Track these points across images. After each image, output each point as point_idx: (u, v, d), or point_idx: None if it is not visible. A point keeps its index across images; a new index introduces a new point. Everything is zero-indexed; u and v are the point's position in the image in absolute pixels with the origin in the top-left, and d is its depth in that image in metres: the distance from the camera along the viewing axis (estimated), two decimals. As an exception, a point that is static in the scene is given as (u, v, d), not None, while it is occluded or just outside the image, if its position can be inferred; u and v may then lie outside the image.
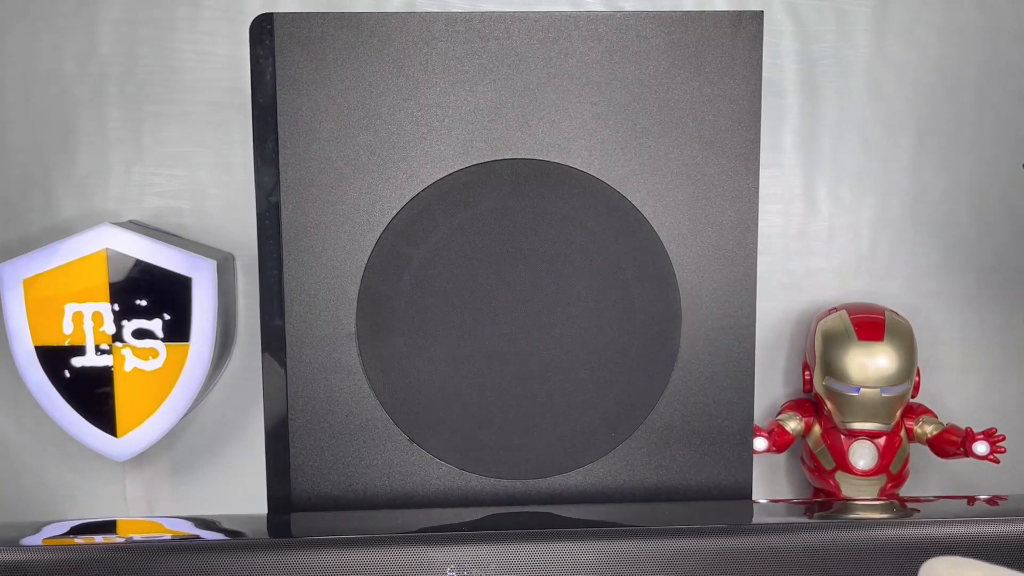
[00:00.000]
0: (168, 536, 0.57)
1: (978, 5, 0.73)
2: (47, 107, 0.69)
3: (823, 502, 0.68)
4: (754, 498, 0.63)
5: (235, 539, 0.54)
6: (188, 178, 0.71)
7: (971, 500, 0.63)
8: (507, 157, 0.60)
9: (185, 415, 0.65)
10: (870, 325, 0.69)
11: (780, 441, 0.71)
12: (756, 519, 0.60)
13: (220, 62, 0.69)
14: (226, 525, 0.57)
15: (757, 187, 0.61)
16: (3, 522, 0.60)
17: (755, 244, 0.61)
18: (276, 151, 0.59)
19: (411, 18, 0.58)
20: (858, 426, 0.69)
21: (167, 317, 0.63)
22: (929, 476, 0.76)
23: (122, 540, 0.55)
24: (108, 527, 0.60)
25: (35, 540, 0.54)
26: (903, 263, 0.75)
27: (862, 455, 0.69)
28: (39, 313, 0.63)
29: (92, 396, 0.64)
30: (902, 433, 0.70)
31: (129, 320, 0.63)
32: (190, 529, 0.58)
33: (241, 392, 0.73)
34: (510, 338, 0.61)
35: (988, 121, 0.74)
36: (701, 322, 0.61)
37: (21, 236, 0.70)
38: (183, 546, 0.53)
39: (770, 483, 0.77)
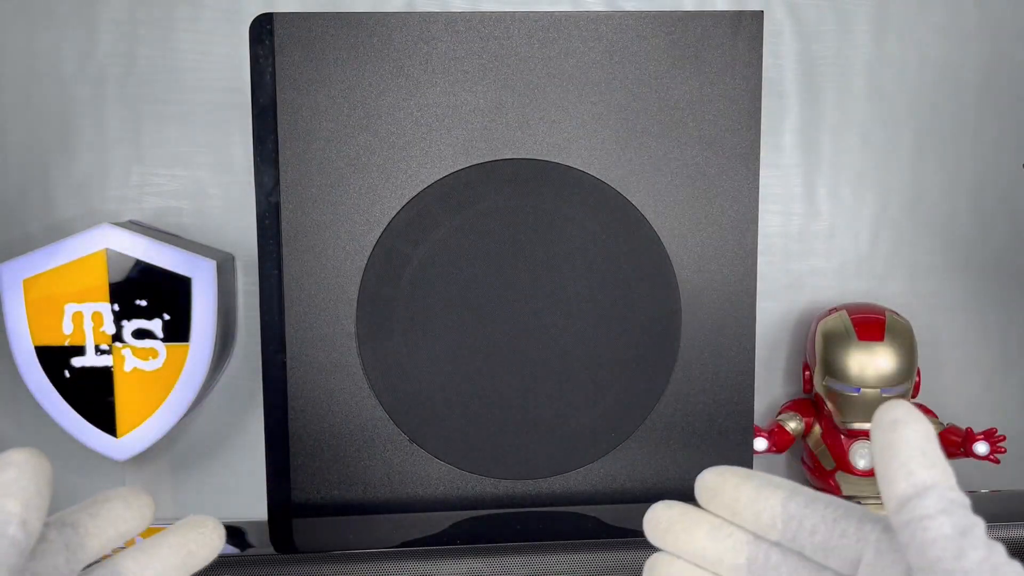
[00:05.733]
0: None
1: (979, 5, 0.73)
2: (46, 107, 0.69)
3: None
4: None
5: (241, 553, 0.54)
6: (188, 178, 0.71)
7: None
8: (507, 157, 0.60)
9: (185, 415, 0.65)
10: (870, 325, 0.69)
11: (780, 441, 0.71)
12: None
13: (220, 62, 0.69)
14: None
15: (757, 187, 0.61)
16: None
17: (755, 244, 0.61)
18: (276, 151, 0.59)
19: (411, 18, 0.58)
20: (858, 426, 0.69)
21: (167, 317, 0.63)
22: (929, 476, 0.76)
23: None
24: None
25: None
26: (903, 263, 0.75)
27: (862, 455, 0.69)
28: (39, 313, 0.63)
29: (92, 396, 0.64)
30: (902, 433, 0.70)
31: (129, 320, 0.63)
32: None
33: (241, 392, 0.73)
34: (510, 338, 0.61)
35: (989, 121, 0.74)
36: (701, 322, 0.61)
37: (21, 236, 0.70)
38: None
39: (770, 483, 0.77)
